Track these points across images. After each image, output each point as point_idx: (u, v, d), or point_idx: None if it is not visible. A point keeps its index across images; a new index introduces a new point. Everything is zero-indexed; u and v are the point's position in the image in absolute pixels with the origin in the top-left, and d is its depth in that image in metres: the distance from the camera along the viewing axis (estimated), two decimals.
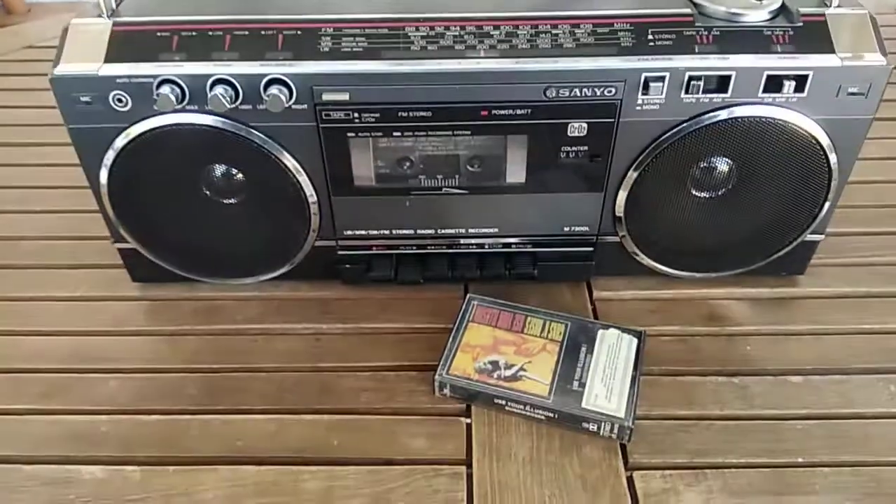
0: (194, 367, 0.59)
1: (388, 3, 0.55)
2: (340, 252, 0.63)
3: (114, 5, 0.55)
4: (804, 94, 0.52)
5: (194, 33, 0.53)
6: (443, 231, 0.61)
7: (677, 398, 0.56)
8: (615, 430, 0.52)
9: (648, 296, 0.64)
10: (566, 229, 0.61)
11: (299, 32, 0.53)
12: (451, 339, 0.58)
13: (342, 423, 0.54)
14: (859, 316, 0.62)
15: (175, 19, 0.53)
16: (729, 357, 0.59)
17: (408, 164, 0.57)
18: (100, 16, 0.53)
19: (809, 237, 0.61)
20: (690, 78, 0.52)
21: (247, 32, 0.53)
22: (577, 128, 0.54)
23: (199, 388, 0.57)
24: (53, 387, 0.57)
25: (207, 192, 0.58)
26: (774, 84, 0.52)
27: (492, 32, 0.53)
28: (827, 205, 0.58)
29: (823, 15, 0.53)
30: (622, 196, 0.58)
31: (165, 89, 0.51)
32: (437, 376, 0.55)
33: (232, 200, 0.59)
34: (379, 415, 0.55)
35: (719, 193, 0.59)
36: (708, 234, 0.61)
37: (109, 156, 0.55)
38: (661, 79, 0.52)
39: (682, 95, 0.53)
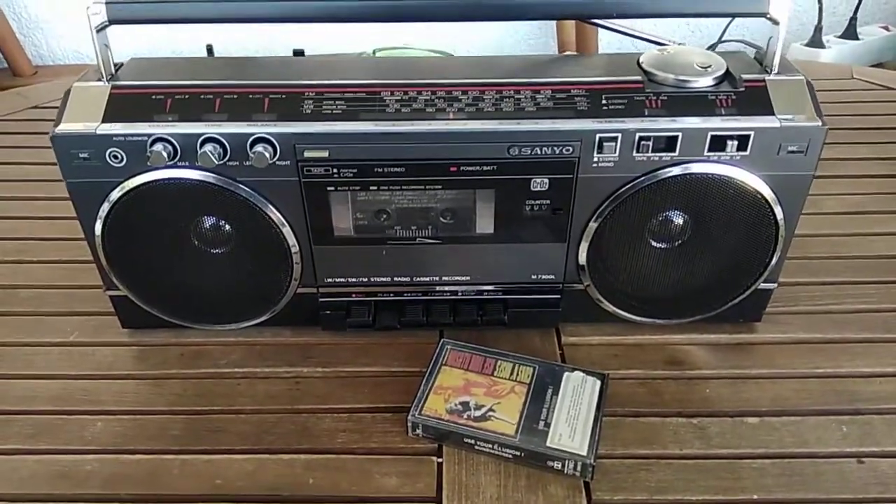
0: (178, 409, 0.61)
1: (367, 72, 0.60)
2: (321, 299, 0.66)
3: (113, 70, 0.59)
4: (747, 153, 0.57)
5: (187, 96, 0.57)
6: (418, 279, 0.65)
7: (639, 438, 0.59)
8: (578, 468, 0.55)
9: (613, 341, 0.68)
10: (534, 277, 0.65)
11: (284, 96, 0.58)
12: (423, 382, 0.61)
13: (318, 463, 0.57)
14: (813, 360, 0.66)
15: (169, 83, 0.58)
16: (689, 399, 0.62)
17: (384, 216, 0.61)
18: (100, 80, 0.58)
19: (763, 286, 0.65)
20: (640, 138, 0.56)
21: (235, 96, 0.57)
22: (540, 183, 0.59)
23: (183, 429, 0.59)
24: (41, 427, 0.60)
25: (196, 243, 0.62)
26: (719, 143, 0.57)
27: (460, 97, 0.58)
28: (776, 255, 0.62)
29: (764, 81, 0.58)
30: (584, 246, 0.62)
31: (158, 146, 0.55)
32: (409, 417, 0.58)
33: (219, 250, 0.62)
34: (354, 454, 0.57)
35: (676, 245, 0.63)
36: (667, 282, 0.64)
37: (104, 208, 0.59)
38: (614, 139, 0.56)
39: (634, 154, 0.57)
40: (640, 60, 0.60)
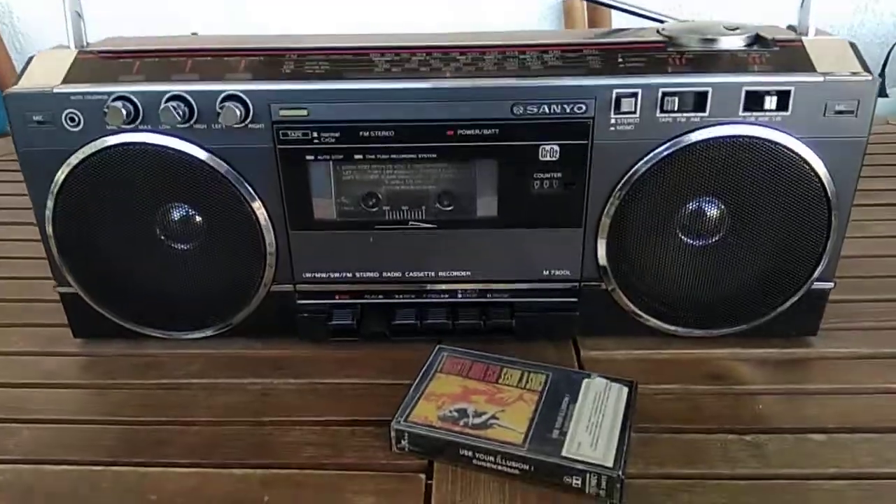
0: (117, 418, 0.52)
1: (357, 39, 0.55)
2: (299, 300, 0.57)
3: (84, 42, 0.55)
4: (788, 113, 0.49)
5: (157, 59, 0.52)
6: (411, 274, 0.56)
7: (679, 456, 0.47)
8: (603, 485, 0.43)
9: (643, 356, 0.57)
10: (546, 273, 0.56)
11: (263, 58, 0.52)
12: (413, 388, 0.50)
13: (278, 479, 0.46)
14: (882, 375, 0.55)
15: (139, 48, 0.53)
16: (738, 414, 0.51)
17: (372, 195, 0.54)
18: (67, 47, 0.53)
19: (817, 285, 0.55)
20: (664, 94, 0.49)
21: (209, 58, 0.52)
22: (549, 151, 0.51)
23: (119, 439, 0.50)
24: None
25: (157, 232, 0.54)
26: (755, 101, 0.49)
27: (458, 58, 0.52)
28: (830, 241, 0.53)
29: (800, 40, 0.52)
30: (603, 234, 0.53)
31: (117, 104, 0.49)
32: (393, 425, 0.47)
33: (184, 246, 0.55)
34: (322, 470, 0.47)
35: (711, 240, 0.54)
36: (704, 284, 0.55)
37: (57, 180, 0.52)
38: (634, 94, 0.49)
39: (658, 114, 0.50)
40: (660, 28, 0.55)
